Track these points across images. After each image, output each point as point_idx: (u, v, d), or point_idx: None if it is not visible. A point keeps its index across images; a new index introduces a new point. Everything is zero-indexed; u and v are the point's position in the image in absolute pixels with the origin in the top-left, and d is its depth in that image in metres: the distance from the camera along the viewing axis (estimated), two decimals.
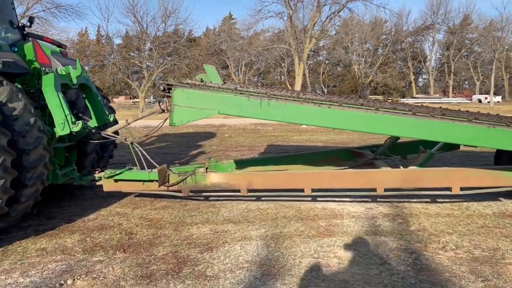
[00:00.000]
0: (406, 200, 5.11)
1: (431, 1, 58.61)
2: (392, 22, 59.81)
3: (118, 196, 5.81)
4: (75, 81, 5.05)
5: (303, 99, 3.83)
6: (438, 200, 5.04)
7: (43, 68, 4.79)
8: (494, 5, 55.06)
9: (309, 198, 5.16)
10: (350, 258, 3.52)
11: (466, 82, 67.83)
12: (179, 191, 4.97)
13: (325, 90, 55.17)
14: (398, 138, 5.39)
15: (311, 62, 62.81)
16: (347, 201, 5.08)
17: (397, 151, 5.41)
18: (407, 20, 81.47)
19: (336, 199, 5.07)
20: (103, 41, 54.23)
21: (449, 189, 4.12)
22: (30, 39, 5.16)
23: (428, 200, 5.03)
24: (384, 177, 4.16)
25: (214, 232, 4.33)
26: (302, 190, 4.51)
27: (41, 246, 4.10)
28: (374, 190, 4.23)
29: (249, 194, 4.70)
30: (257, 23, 38.96)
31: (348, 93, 51.27)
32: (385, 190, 4.18)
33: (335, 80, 60.55)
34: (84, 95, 5.57)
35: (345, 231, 4.15)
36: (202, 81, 4.72)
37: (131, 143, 5.03)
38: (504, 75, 52.53)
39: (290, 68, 63.43)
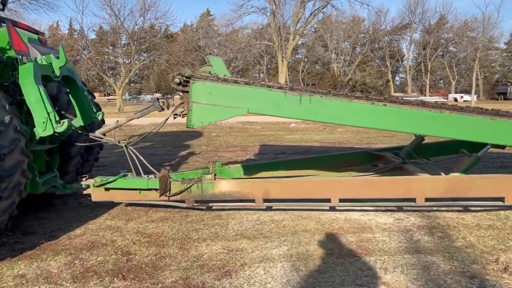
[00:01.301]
0: (434, 209, 4.58)
1: (409, 0, 59.19)
2: (370, 21, 60.15)
3: (106, 205, 5.08)
4: (58, 73, 4.29)
5: (351, 96, 3.23)
6: (471, 208, 4.54)
7: (20, 57, 4.02)
8: (476, 4, 56.23)
9: (327, 207, 4.57)
10: (401, 285, 2.94)
11: (442, 81, 68.98)
12: (182, 201, 4.30)
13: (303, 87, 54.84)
14: (423, 138, 4.87)
15: (290, 60, 62.50)
16: (371, 211, 4.52)
17: (421, 153, 4.88)
18: (385, 19, 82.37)
19: (362, 209, 4.48)
20: (76, 36, 52.35)
21: (501, 199, 3.60)
22: (3, 23, 4.37)
23: (460, 208, 4.52)
24: (426, 185, 3.61)
25: (227, 251, 3.69)
26: (328, 200, 3.91)
27: (19, 272, 3.37)
28: (413, 200, 3.68)
29: (266, 204, 4.07)
30: (240, 18, 38.24)
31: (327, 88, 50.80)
32: (426, 200, 3.63)
33: (314, 78, 60.45)
34: (68, 90, 4.81)
35: (382, 249, 3.58)
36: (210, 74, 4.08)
37: (126, 146, 4.33)
38: (479, 75, 53.49)
39: (269, 66, 63.02)
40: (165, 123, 4.31)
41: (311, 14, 31.69)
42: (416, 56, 63.91)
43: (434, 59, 58.96)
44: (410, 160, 4.57)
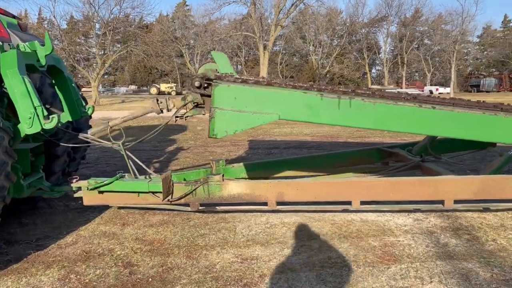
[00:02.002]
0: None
1: None
2: (347, 13, 60.32)
3: (96, 208, 4.64)
4: (43, 62, 3.81)
5: (395, 97, 2.89)
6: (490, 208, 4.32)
7: (1, 43, 3.53)
8: None
9: (339, 208, 4.26)
10: None
11: (417, 74, 70.04)
12: (186, 205, 3.92)
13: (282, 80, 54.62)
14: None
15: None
16: (386, 211, 4.25)
17: (433, 150, 4.63)
18: (363, 11, 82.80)
19: (378, 209, 4.20)
20: (46, 25, 50.42)
21: None
22: None
23: (480, 208, 4.30)
24: (455, 186, 3.34)
25: (241, 260, 3.34)
26: (348, 203, 3.61)
27: None
28: (441, 202, 3.42)
29: (279, 208, 3.74)
30: (220, 8, 37.44)
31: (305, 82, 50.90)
32: (455, 202, 3.37)
33: (293, 71, 60.34)
34: (54, 81, 4.32)
35: (410, 254, 3.31)
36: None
37: (123, 144, 3.90)
38: (452, 67, 54.46)
39: (247, 58, 62.50)
40: (164, 126, 3.93)
41: (292, 4, 31.32)
42: (393, 48, 64.59)
43: (410, 51, 59.70)
44: (427, 157, 4.30)
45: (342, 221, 4.10)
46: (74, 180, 4.05)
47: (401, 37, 60.32)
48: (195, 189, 3.77)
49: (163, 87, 53.55)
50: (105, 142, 3.95)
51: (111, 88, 68.57)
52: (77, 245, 3.74)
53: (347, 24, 60.25)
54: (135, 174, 3.92)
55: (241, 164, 4.64)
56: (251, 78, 2.75)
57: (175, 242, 3.75)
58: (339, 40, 61.13)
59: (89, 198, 3.96)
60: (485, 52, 65.85)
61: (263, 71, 28.49)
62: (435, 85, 56.11)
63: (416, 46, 61.60)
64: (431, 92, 50.54)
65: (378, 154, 4.80)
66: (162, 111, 4.05)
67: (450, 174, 3.60)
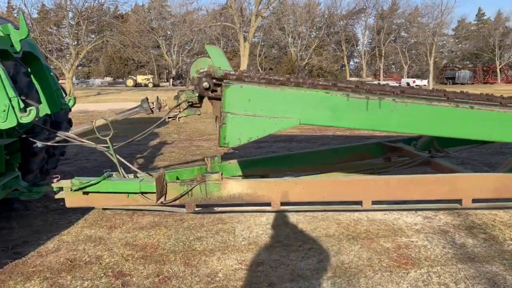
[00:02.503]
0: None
1: None
2: (326, 5, 60.28)
3: (78, 209, 4.24)
4: (18, 48, 3.38)
5: (429, 96, 2.60)
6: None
7: None
8: None
9: (349, 209, 3.99)
10: None
11: (393, 66, 70.86)
12: (181, 206, 3.59)
13: (262, 72, 54.32)
14: None
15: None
16: (393, 209, 4.02)
17: (434, 145, 4.42)
18: (341, 3, 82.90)
19: (387, 209, 3.95)
20: (16, 14, 48.48)
21: None
22: None
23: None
24: (474, 184, 3.12)
25: (245, 266, 3.05)
26: (358, 203, 3.35)
27: None
28: (458, 201, 3.19)
29: (283, 208, 3.45)
30: None
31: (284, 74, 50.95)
32: (473, 201, 3.15)
33: (272, 63, 60.05)
34: (30, 69, 3.89)
35: (428, 257, 3.08)
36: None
37: (110, 140, 3.53)
38: (429, 60, 55.29)
39: (225, 49, 61.83)
40: (155, 127, 3.59)
41: None
42: (370, 41, 65.07)
43: (388, 44, 60.24)
44: (439, 154, 4.08)
45: (348, 220, 3.85)
46: (55, 180, 3.65)
47: (378, 29, 60.79)
48: (191, 189, 3.43)
49: (140, 79, 52.39)
50: (89, 142, 3.56)
51: (85, 80, 66.74)
52: (60, 252, 3.37)
53: (326, 16, 60.28)
54: (124, 173, 3.56)
55: (238, 160, 4.32)
56: (267, 77, 2.39)
57: (170, 247, 3.43)
58: (317, 32, 61.12)
59: (72, 200, 3.56)
60: (460, 45, 67.11)
61: (244, 63, 28.04)
62: (412, 77, 56.87)
63: (393, 38, 62.22)
64: (408, 84, 51.22)
65: (379, 149, 4.56)
66: (152, 111, 3.72)
67: (466, 171, 3.39)
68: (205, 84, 2.16)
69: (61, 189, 3.62)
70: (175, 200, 3.47)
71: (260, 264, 3.07)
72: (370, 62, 65.96)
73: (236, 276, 2.90)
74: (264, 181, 3.47)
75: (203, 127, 11.35)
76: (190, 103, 3.60)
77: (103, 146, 3.54)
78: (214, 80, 2.14)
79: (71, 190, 3.39)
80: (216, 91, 2.16)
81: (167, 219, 4.03)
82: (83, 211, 4.27)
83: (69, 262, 3.18)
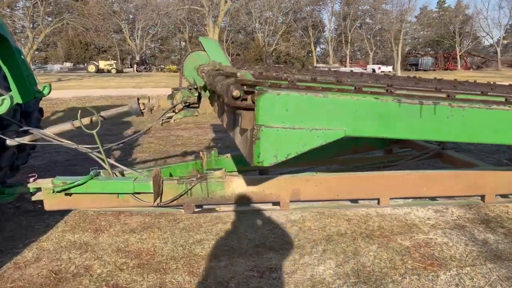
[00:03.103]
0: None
1: None
2: None
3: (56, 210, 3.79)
4: None
5: (487, 98, 2.29)
6: None
7: None
8: None
9: (364, 207, 3.73)
10: None
11: (359, 53, 71.73)
12: (178, 206, 3.23)
13: (229, 59, 53.67)
14: None
15: None
16: (411, 205, 3.80)
17: None
18: None
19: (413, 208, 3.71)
20: None
21: None
22: None
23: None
24: (497, 179, 2.94)
25: (258, 273, 2.75)
26: (375, 200, 3.11)
27: None
28: (480, 196, 3.01)
29: (293, 207, 3.16)
30: None
31: (253, 62, 50.78)
32: (496, 196, 2.98)
33: (239, 48, 59.30)
34: None
35: (453, 256, 2.88)
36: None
37: (96, 134, 3.12)
38: (393, 46, 56.24)
39: (191, 34, 60.45)
40: (148, 130, 3.20)
41: None
42: (337, 27, 65.41)
43: (354, 30, 60.76)
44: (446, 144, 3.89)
45: (357, 216, 3.61)
46: (31, 179, 3.21)
47: (344, 15, 61.14)
48: (191, 188, 3.08)
49: (102, 64, 50.35)
50: (68, 142, 3.13)
51: (43, 66, 63.58)
52: (41, 263, 2.94)
53: (292, 1, 59.92)
54: (111, 171, 3.15)
55: (235, 155, 3.98)
56: (306, 80, 2.00)
57: (168, 252, 3.07)
58: (284, 18, 60.75)
59: (53, 202, 3.15)
60: (422, 32, 68.67)
61: None
62: (377, 63, 57.73)
63: (359, 25, 62.82)
64: (373, 70, 51.97)
65: (381, 140, 4.35)
66: (142, 114, 3.34)
67: (482, 163, 3.21)
68: (236, 93, 1.64)
69: (38, 189, 3.18)
70: (173, 200, 3.13)
71: (274, 270, 2.78)
72: (337, 49, 66.42)
73: (250, 286, 2.60)
74: (272, 178, 3.16)
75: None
76: (187, 104, 3.25)
77: (85, 147, 3.13)
78: (245, 87, 1.68)
79: (53, 192, 2.96)
80: (245, 100, 1.68)
81: (159, 219, 3.65)
82: (61, 212, 3.81)
83: (54, 275, 2.77)
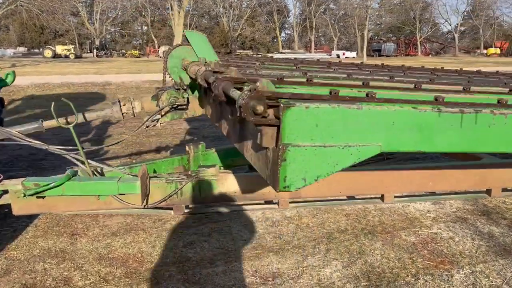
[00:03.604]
0: None
1: None
2: None
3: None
4: None
5: None
6: None
7: None
8: None
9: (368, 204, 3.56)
10: None
11: (323, 38, 72.13)
12: (168, 208, 2.93)
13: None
14: None
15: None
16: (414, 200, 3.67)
17: None
18: None
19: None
20: None
21: None
22: None
23: None
24: (501, 173, 2.83)
25: (261, 280, 2.53)
26: (379, 197, 2.93)
27: None
28: (487, 191, 2.90)
29: (292, 205, 2.94)
30: None
31: (218, 47, 50.13)
32: (503, 190, 2.88)
33: (203, 33, 58.12)
34: None
35: (462, 252, 2.76)
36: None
37: (73, 129, 2.75)
38: (357, 32, 56.90)
39: (153, 18, 58.76)
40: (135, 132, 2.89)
41: None
42: (301, 12, 65.31)
43: (318, 16, 60.88)
44: None
45: (354, 211, 3.44)
46: None
47: (309, 0, 61.05)
48: (182, 187, 2.79)
49: (59, 49, 47.95)
50: (37, 142, 2.75)
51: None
52: (12, 276, 2.59)
53: None
54: (99, 171, 2.81)
55: (223, 148, 3.69)
56: (333, 92, 1.67)
57: (158, 258, 2.79)
58: (249, 2, 59.99)
59: (22, 206, 2.76)
60: (384, 18, 69.78)
61: (178, 34, 26.32)
62: (341, 49, 58.29)
63: (323, 10, 63.00)
64: (338, 56, 52.48)
65: None
66: (123, 117, 3.01)
67: (493, 158, 3.09)
68: (260, 109, 1.29)
69: (5, 192, 2.79)
70: (162, 201, 2.81)
71: (277, 275, 2.56)
72: (302, 34, 66.43)
73: None
74: None
75: None
76: (175, 106, 2.95)
77: (59, 148, 2.76)
78: (267, 101, 1.36)
79: (24, 195, 2.59)
80: (265, 114, 1.34)
81: (142, 220, 3.35)
82: (30, 214, 3.43)
83: None
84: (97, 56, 50.25)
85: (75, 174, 2.73)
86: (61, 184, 2.59)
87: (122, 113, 2.97)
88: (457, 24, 64.95)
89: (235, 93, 1.58)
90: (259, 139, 1.49)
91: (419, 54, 60.42)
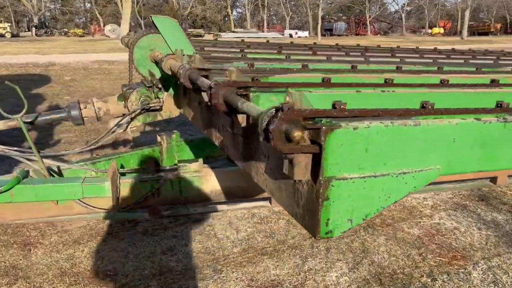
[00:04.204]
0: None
1: None
2: None
3: None
4: None
5: None
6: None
7: None
8: None
9: None
10: None
11: (275, 17, 71.63)
12: (141, 210, 2.49)
13: (142, 22, 50.37)
14: None
15: None
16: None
17: None
18: None
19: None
20: None
21: None
22: None
23: None
24: None
25: None
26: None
27: None
28: (492, 179, 2.73)
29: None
30: None
31: None
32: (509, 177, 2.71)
33: (151, 11, 55.73)
34: None
35: (472, 244, 2.56)
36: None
37: (21, 120, 2.24)
38: (308, 11, 56.89)
39: None
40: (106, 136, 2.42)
41: None
42: None
43: None
44: None
45: None
46: None
47: None
48: (159, 187, 2.37)
49: None
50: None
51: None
52: None
53: None
54: (56, 170, 2.32)
55: (198, 138, 3.25)
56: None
57: (134, 270, 2.36)
58: None
59: None
60: None
61: (126, 11, 24.80)
62: (293, 29, 58.14)
63: None
64: (290, 35, 52.35)
65: None
66: (83, 122, 2.52)
67: None
68: (298, 136, 0.88)
69: None
70: (136, 203, 2.38)
71: (277, 283, 2.23)
72: (254, 13, 65.49)
73: None
74: None
75: (97, 84, 9.55)
76: (147, 107, 2.48)
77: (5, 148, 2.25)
78: (303, 122, 0.95)
79: None
80: (299, 140, 0.93)
81: (109, 222, 2.89)
82: None
83: None
84: (36, 35, 46.86)
85: (25, 175, 2.23)
86: (9, 189, 2.09)
87: (83, 118, 2.48)
88: (404, 4, 66.65)
89: (250, 108, 1.14)
90: (287, 169, 1.07)
91: (368, 34, 61.56)
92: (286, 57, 2.84)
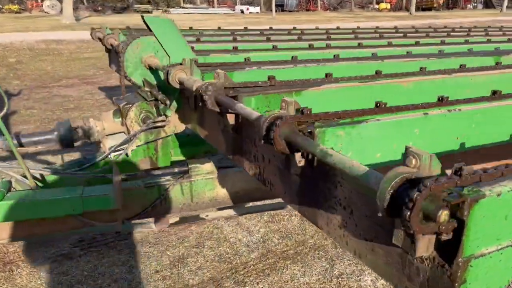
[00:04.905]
0: None
1: None
2: None
3: None
4: None
5: None
6: None
7: None
8: None
9: None
10: None
11: None
12: (146, 221, 2.16)
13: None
14: None
15: None
16: None
17: None
18: None
19: None
20: None
21: None
22: None
23: None
24: None
25: None
26: None
27: None
28: None
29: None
30: None
31: (114, 1, 46.46)
32: None
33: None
34: None
35: None
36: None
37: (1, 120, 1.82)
38: None
39: None
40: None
41: None
42: None
43: None
44: None
45: None
46: None
47: None
48: (165, 193, 2.06)
49: None
50: None
51: None
52: None
53: None
54: (40, 177, 1.92)
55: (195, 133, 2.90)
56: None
57: None
58: None
59: None
60: None
61: None
62: (244, 4, 57.10)
63: None
64: (242, 11, 51.46)
65: None
66: (73, 144, 2.10)
67: None
68: (444, 217, 0.66)
69: None
70: (142, 213, 2.06)
71: None
72: None
73: None
74: None
75: (48, 67, 8.72)
76: (152, 126, 2.11)
77: None
78: (443, 195, 0.69)
79: None
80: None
81: (106, 238, 2.53)
82: None
83: None
84: None
85: (8, 187, 1.84)
86: None
87: (73, 138, 2.09)
88: None
89: (337, 161, 0.83)
90: (400, 240, 0.80)
91: (319, 9, 61.81)
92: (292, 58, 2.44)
